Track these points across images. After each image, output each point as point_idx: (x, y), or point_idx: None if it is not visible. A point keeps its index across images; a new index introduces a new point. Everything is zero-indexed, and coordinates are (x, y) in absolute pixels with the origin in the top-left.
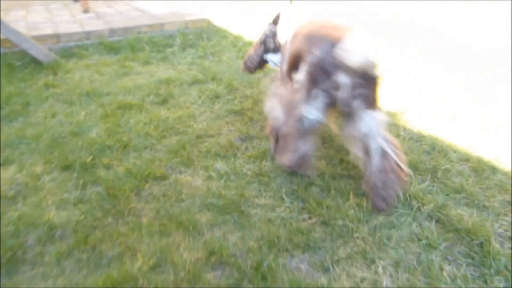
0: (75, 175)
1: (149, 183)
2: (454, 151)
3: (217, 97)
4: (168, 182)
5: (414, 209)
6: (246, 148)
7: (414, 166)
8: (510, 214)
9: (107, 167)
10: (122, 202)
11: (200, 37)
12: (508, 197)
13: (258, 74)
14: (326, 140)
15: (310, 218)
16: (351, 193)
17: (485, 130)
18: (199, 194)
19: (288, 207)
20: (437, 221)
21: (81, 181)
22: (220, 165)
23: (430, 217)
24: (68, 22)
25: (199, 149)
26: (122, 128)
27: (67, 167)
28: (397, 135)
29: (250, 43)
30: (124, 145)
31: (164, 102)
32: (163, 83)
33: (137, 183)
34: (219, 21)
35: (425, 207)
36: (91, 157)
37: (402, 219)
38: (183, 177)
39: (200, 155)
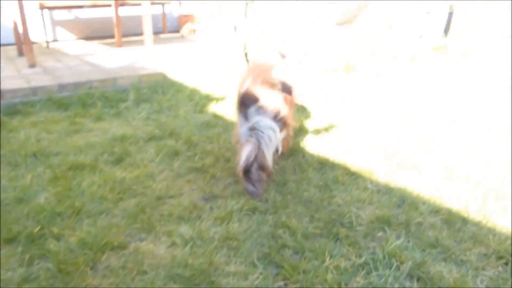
0: (19, 249)
1: (106, 254)
2: (424, 203)
3: (176, 154)
4: (128, 251)
5: (393, 268)
6: (211, 208)
7: (387, 221)
8: (488, 268)
9: (58, 237)
10: (75, 278)
11: (155, 91)
12: (483, 250)
13: (218, 129)
14: (294, 194)
15: (286, 285)
16: (327, 253)
17: (450, 179)
18: (163, 264)
19: (261, 273)
20: (418, 280)
21: (27, 256)
22: (184, 229)
23: (410, 276)
24: (12, 77)
25: (160, 212)
26: (73, 192)
27: (10, 240)
28: (365, 188)
29: (207, 96)
30: (76, 211)
31: (119, 161)
32: (118, 140)
33: (92, 255)
34: (174, 74)
35: (404, 265)
36: (38, 227)
37: (383, 280)
38: (144, 245)
39: (161, 219)
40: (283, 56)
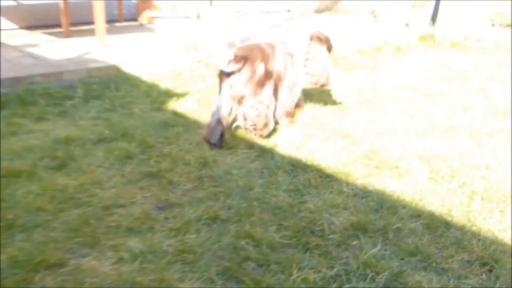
0: None
1: (41, 274)
2: (404, 207)
3: (128, 157)
4: (67, 270)
5: (368, 280)
6: (166, 218)
7: (362, 228)
8: (471, 276)
9: None
10: None
11: (107, 86)
12: (466, 256)
13: (177, 128)
14: (260, 201)
15: None
16: (294, 265)
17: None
18: (107, 283)
19: None
20: None
21: None
22: (134, 242)
23: None
24: None
25: (106, 224)
26: (6, 203)
27: None
28: (340, 192)
29: (166, 92)
30: (8, 225)
31: (62, 166)
32: (61, 143)
33: (24, 275)
34: (130, 68)
35: (380, 276)
36: None
37: None
38: (86, 262)
39: (108, 232)
40: (320, 40)
